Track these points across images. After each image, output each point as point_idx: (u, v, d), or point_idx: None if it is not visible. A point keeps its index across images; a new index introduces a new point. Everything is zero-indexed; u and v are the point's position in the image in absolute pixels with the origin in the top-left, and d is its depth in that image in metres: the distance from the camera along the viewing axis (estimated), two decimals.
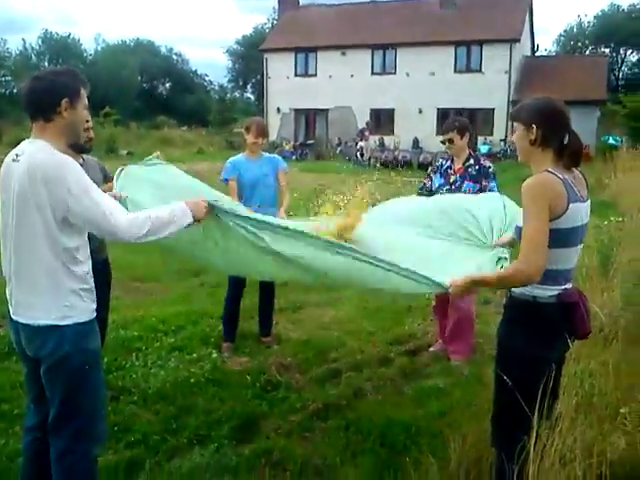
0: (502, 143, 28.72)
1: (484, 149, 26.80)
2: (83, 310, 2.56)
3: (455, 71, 30.00)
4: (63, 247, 2.45)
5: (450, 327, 5.00)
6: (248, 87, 62.03)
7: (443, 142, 5.00)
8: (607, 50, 53.02)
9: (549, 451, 2.56)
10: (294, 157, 27.88)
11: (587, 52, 52.92)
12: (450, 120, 5.10)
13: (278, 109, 33.63)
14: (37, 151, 2.39)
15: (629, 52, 54.62)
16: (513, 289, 2.71)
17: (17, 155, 2.44)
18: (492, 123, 29.73)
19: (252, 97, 60.55)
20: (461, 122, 5.06)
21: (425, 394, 4.30)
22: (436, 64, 29.93)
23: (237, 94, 59.82)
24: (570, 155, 2.63)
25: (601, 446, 2.77)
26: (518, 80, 29.58)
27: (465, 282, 2.79)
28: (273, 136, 30.39)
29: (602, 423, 3.01)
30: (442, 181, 4.99)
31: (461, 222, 3.88)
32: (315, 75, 32.70)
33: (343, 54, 31.67)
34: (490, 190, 4.73)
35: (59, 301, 2.48)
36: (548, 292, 2.62)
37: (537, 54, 37.78)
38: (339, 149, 30.54)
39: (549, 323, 2.63)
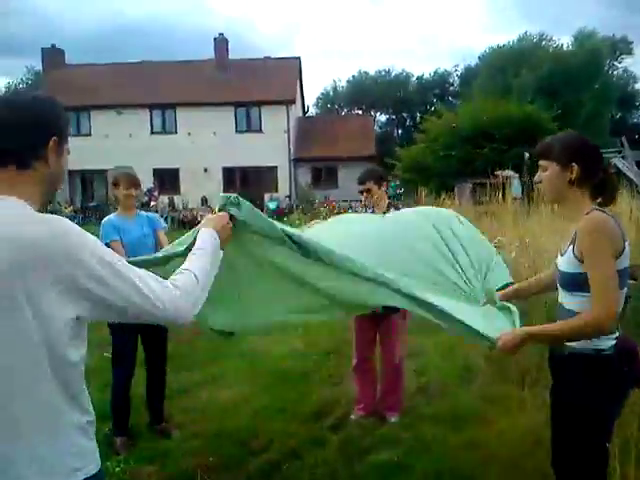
0: (287, 199, 29.60)
1: (272, 205, 27.33)
2: (91, 453, 1.69)
3: (237, 131, 30.42)
4: (67, 362, 1.58)
5: (384, 382, 4.78)
6: None
7: (361, 192, 4.75)
8: (360, 112, 58.14)
9: None
10: (75, 221, 25.60)
11: (343, 113, 57.63)
12: (365, 170, 4.92)
13: None
14: (16, 217, 1.55)
15: (378, 113, 60.56)
16: (569, 343, 2.46)
17: None
18: (276, 180, 30.53)
19: None
20: (376, 171, 4.95)
21: (385, 473, 3.86)
22: (217, 124, 30.07)
23: None
24: (609, 191, 2.50)
25: None
26: (296, 139, 30.91)
27: (521, 336, 2.40)
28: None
29: None
30: None
31: (432, 261, 3.18)
32: (89, 135, 30.82)
33: (119, 113, 30.38)
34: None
35: (60, 446, 1.59)
36: (609, 341, 2.41)
37: (307, 115, 39.99)
38: None
39: (615, 374, 2.42)
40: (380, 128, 61.24)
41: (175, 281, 1.74)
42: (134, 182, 4.49)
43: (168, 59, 34.11)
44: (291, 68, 32.68)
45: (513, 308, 2.84)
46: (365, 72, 61.33)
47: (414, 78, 61.42)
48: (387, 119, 61.80)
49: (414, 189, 21.01)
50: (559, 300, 2.61)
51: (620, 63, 49.06)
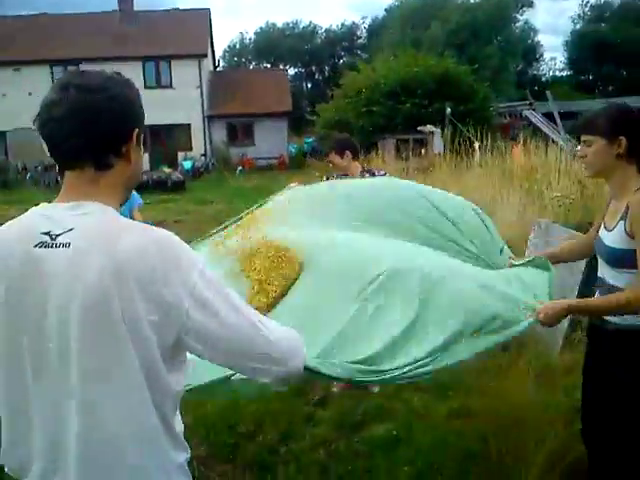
0: (203, 158, 28.81)
1: (187, 165, 26.50)
2: None
3: (145, 87, 29.01)
4: (169, 391, 1.35)
5: None
6: None
7: (329, 162, 4.62)
8: (269, 65, 57.05)
9: None
10: None
11: (252, 67, 56.40)
12: (329, 141, 4.76)
13: None
14: (110, 227, 1.31)
15: (287, 66, 59.70)
16: (615, 320, 2.43)
17: (52, 235, 1.30)
18: (190, 138, 29.56)
19: None
20: (338, 141, 4.75)
21: (387, 448, 3.80)
22: None
23: None
24: None
25: None
26: (209, 95, 29.93)
27: (563, 308, 2.30)
28: None
29: None
30: None
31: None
32: None
33: (17, 70, 28.27)
34: None
35: None
36: None
37: (218, 69, 38.71)
38: (28, 175, 27.17)
39: None
40: (290, 82, 60.42)
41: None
42: None
43: (70, 12, 31.87)
44: (201, 20, 31.34)
45: (549, 265, 2.60)
46: (273, 24, 60.10)
47: (322, 31, 60.78)
48: (296, 73, 61.04)
49: None
50: (600, 274, 2.57)
51: (522, 15, 50.38)
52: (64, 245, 1.29)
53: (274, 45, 56.49)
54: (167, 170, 23.02)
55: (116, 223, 1.34)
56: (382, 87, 20.28)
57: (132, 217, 4.10)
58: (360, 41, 61.08)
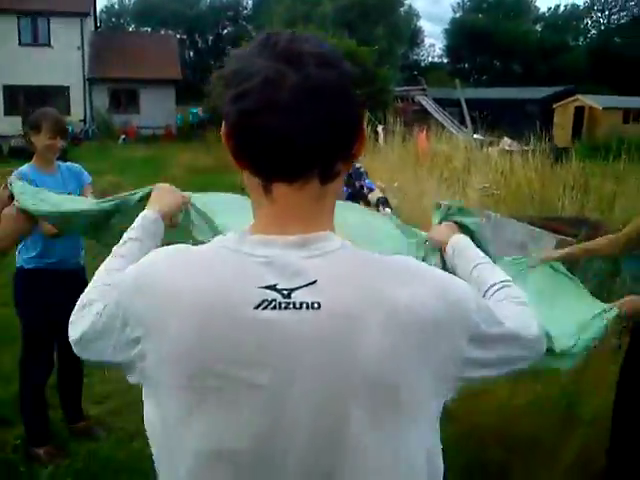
0: (82, 123, 26.98)
1: None
2: None
3: (20, 44, 26.65)
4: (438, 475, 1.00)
5: None
6: None
7: None
8: (149, 29, 54.48)
9: None
10: None
11: (131, 30, 53.64)
12: None
13: None
14: (371, 273, 0.92)
15: (169, 32, 57.30)
16: None
17: (282, 290, 0.88)
18: (68, 102, 27.50)
19: None
20: None
21: None
22: None
23: None
24: None
25: None
26: (91, 57, 28.03)
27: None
28: None
29: None
30: None
31: None
32: None
33: None
34: (369, 188, 4.22)
35: None
36: None
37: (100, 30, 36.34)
38: None
39: None
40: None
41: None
42: (61, 128, 3.38)
43: None
44: None
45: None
46: None
47: None
48: (178, 40, 58.77)
49: None
50: None
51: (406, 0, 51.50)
52: (308, 306, 0.88)
53: (155, 8, 53.97)
54: None
55: (373, 265, 0.94)
56: None
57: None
58: (246, 12, 59.87)
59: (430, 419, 0.96)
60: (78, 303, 1.14)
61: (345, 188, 4.22)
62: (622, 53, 49.90)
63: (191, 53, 59.51)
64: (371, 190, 4.20)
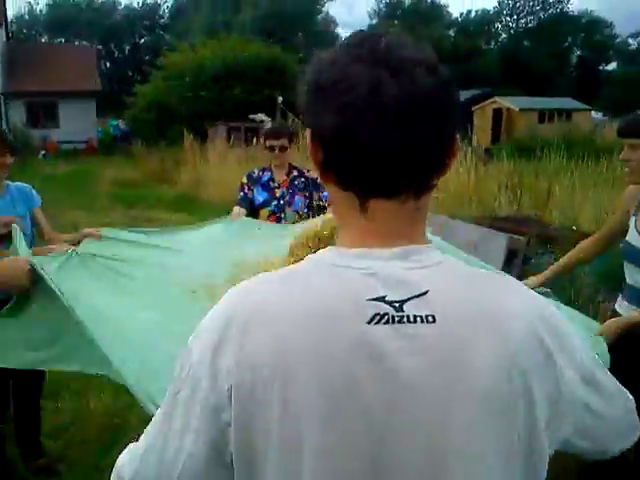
0: None
1: None
2: None
3: None
4: None
5: None
6: None
7: (272, 148, 4.19)
8: (63, 40, 52.75)
9: None
10: None
11: (43, 41, 51.83)
12: (281, 126, 4.43)
13: None
14: (479, 286, 0.90)
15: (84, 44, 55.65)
16: None
17: (393, 303, 0.83)
18: None
19: None
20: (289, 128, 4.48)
21: None
22: None
23: None
24: None
25: None
26: (4, 70, 26.88)
27: (624, 325, 2.26)
28: None
29: None
30: (267, 196, 4.17)
31: None
32: None
33: None
34: (327, 200, 4.21)
35: None
36: None
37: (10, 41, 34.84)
38: None
39: None
40: None
41: None
42: (9, 143, 3.07)
43: None
44: None
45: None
46: None
47: (121, 7, 57.62)
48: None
49: (157, 130, 19.92)
50: (632, 282, 2.52)
51: (323, 7, 52.07)
52: (423, 319, 0.83)
53: (69, 18, 52.32)
54: None
55: (477, 278, 0.92)
56: (208, 71, 19.63)
57: (34, 221, 3.30)
58: (163, 21, 58.91)
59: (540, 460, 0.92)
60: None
61: (303, 198, 4.22)
62: (530, 56, 52.13)
63: (107, 64, 58.00)
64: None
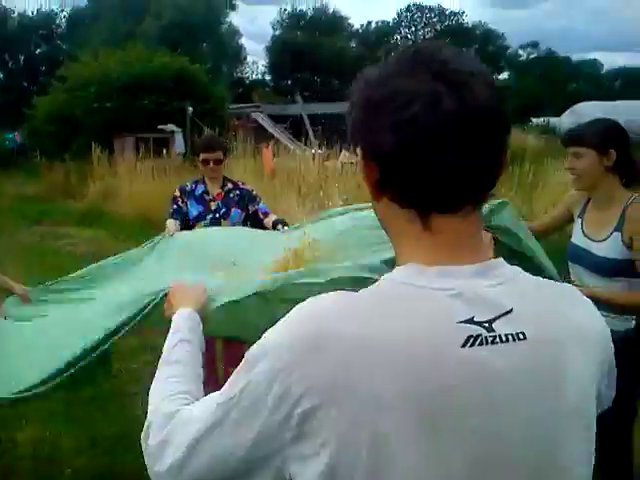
0: None
1: None
2: None
3: None
4: None
5: None
6: None
7: (206, 162, 4.18)
8: None
9: None
10: None
11: None
12: (215, 138, 4.46)
13: None
14: (551, 298, 0.93)
15: None
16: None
17: (483, 323, 0.84)
18: None
19: None
20: (224, 140, 4.56)
21: None
22: None
23: None
24: (637, 175, 2.60)
25: None
26: None
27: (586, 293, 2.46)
28: None
29: None
30: (201, 209, 4.20)
31: None
32: None
33: None
34: (264, 212, 4.24)
35: None
36: (632, 322, 2.56)
37: None
38: None
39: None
40: None
41: None
42: None
43: None
44: None
45: None
46: None
47: (15, 15, 54.99)
48: None
49: (59, 143, 19.19)
50: (577, 282, 2.64)
51: (227, 17, 51.73)
52: (514, 337, 0.84)
53: None
54: None
55: (548, 289, 0.95)
56: (114, 82, 19.13)
57: None
58: (60, 30, 56.70)
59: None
60: (154, 422, 1.00)
61: (240, 211, 4.26)
62: None
63: (1, 75, 55.20)
64: (266, 215, 4.19)
